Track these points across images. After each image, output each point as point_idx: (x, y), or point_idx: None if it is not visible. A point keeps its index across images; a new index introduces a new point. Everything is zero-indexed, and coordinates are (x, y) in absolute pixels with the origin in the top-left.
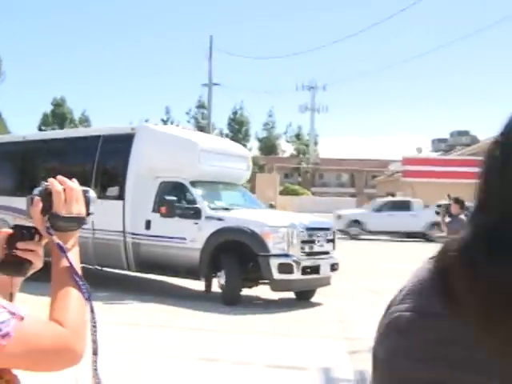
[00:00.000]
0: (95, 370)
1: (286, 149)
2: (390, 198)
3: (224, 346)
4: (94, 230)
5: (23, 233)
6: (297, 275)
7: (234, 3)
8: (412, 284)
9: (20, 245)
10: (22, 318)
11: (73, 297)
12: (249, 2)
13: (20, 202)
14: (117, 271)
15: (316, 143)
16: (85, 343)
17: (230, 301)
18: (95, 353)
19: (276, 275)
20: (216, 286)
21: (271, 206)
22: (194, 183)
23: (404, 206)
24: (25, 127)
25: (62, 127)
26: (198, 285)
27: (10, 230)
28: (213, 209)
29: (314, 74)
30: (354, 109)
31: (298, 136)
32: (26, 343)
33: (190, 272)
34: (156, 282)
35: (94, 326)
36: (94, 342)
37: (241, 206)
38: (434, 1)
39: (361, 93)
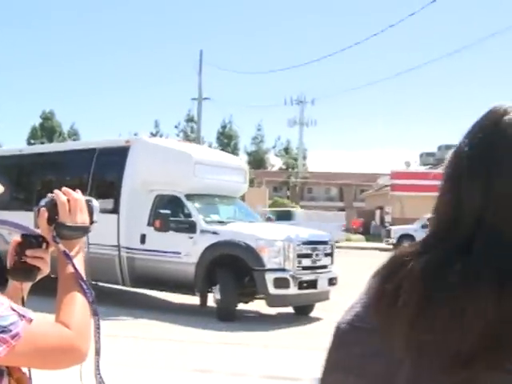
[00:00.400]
0: (97, 369)
1: (275, 163)
2: (273, 208)
3: (219, 357)
4: (88, 244)
5: (31, 241)
6: (293, 290)
7: (224, 18)
8: (360, 296)
9: (29, 252)
10: (31, 320)
11: (78, 301)
12: (239, 17)
13: (16, 216)
14: (112, 286)
15: (305, 157)
16: (89, 343)
17: (226, 316)
18: (98, 353)
19: (272, 290)
20: (211, 301)
21: (269, 219)
22: (189, 196)
23: (286, 215)
24: (13, 140)
25: (50, 141)
26: (194, 300)
27: (20, 239)
28: (208, 222)
29: (303, 89)
30: (343, 123)
31: (286, 150)
32: (34, 343)
33: (185, 287)
34: (151, 296)
35: (98, 328)
36: (97, 342)
37: (237, 219)
38: (422, 16)
39: (350, 107)
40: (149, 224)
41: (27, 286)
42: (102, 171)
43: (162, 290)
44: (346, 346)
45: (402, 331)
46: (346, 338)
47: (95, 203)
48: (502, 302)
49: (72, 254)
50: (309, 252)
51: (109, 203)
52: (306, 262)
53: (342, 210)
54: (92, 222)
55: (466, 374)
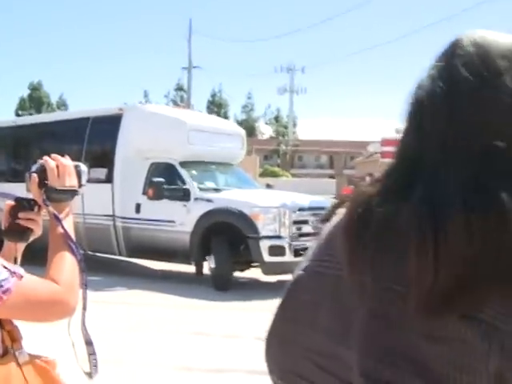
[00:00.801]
0: (83, 323)
1: (265, 131)
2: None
3: (214, 322)
4: (84, 214)
5: (24, 204)
6: (289, 257)
7: None
8: (319, 240)
9: (21, 215)
10: (22, 277)
11: (67, 259)
12: None
13: (11, 188)
14: (108, 256)
15: (295, 125)
16: (77, 298)
17: (221, 285)
18: (84, 308)
19: (267, 258)
20: (209, 269)
21: (268, 186)
22: (184, 164)
23: None
24: (1, 112)
25: (39, 111)
26: (190, 269)
27: (14, 202)
28: (203, 190)
29: (294, 57)
30: (334, 91)
31: (276, 118)
32: (24, 297)
33: (181, 256)
34: (147, 266)
35: (85, 285)
36: (84, 298)
37: (233, 186)
38: None
39: (341, 75)
40: (144, 193)
41: (21, 246)
42: (95, 140)
43: (157, 260)
44: (297, 293)
45: (361, 277)
46: (297, 285)
47: (83, 168)
48: (481, 237)
49: (62, 215)
50: (306, 219)
51: (103, 173)
52: (304, 229)
53: (332, 177)
54: (80, 185)
55: (433, 323)
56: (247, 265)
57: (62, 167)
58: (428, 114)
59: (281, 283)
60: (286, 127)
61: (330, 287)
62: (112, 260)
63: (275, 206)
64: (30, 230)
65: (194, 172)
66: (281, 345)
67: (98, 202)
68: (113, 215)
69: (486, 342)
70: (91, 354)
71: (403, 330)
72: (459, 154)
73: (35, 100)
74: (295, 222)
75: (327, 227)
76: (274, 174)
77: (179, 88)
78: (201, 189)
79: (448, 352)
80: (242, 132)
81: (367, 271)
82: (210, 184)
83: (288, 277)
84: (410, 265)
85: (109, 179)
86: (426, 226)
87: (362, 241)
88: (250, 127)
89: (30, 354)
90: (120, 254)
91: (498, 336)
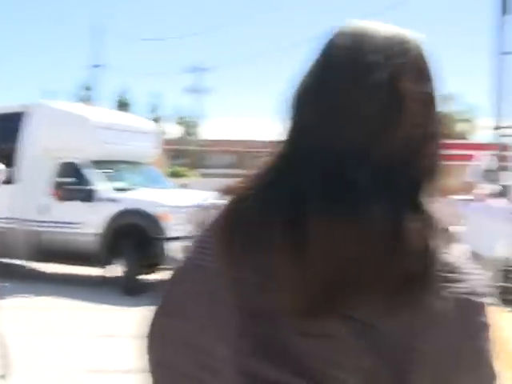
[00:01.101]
0: None
1: (174, 131)
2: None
3: (124, 323)
4: None
5: None
6: None
7: None
8: (201, 233)
9: None
10: None
11: None
12: None
13: None
14: (15, 261)
15: (203, 125)
16: None
17: (131, 289)
18: None
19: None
20: (116, 273)
21: (183, 186)
22: (90, 163)
23: None
24: None
25: None
26: (100, 272)
27: None
28: (110, 190)
29: (203, 56)
30: (243, 91)
31: (185, 118)
32: None
33: (88, 259)
34: (56, 270)
35: None
36: None
37: (143, 185)
38: None
39: (250, 75)
40: (50, 194)
41: None
42: None
43: (65, 263)
44: (177, 287)
45: (237, 274)
46: (178, 278)
47: None
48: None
49: None
50: None
51: (8, 173)
52: None
53: (240, 176)
54: None
55: (311, 321)
56: (156, 266)
57: None
58: (302, 109)
59: None
60: (194, 127)
61: (210, 281)
62: (14, 265)
63: (185, 205)
64: None
65: (103, 171)
66: (162, 340)
67: (3, 204)
68: (17, 218)
69: (360, 339)
70: (4, 357)
71: (281, 328)
72: (327, 151)
73: None
74: None
75: (210, 220)
76: (183, 174)
77: (84, 87)
78: (108, 189)
79: (325, 350)
80: (156, 130)
81: (242, 268)
82: (119, 184)
83: None
84: (280, 263)
85: (13, 180)
86: (289, 225)
87: (236, 237)
88: (158, 127)
89: None
90: (27, 259)
91: (373, 334)
